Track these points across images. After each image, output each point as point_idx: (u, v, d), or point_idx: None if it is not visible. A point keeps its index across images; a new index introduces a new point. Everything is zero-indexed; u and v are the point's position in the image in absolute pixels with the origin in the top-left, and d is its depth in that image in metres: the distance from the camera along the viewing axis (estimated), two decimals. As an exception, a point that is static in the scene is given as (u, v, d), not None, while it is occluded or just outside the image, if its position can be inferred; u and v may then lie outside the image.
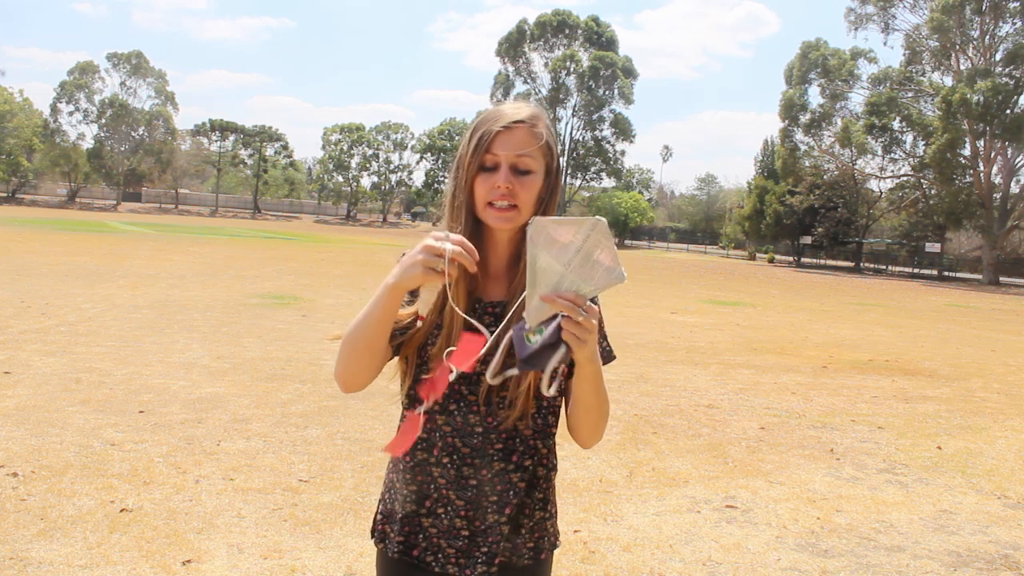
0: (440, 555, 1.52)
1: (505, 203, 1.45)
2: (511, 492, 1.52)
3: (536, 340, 1.30)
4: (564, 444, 1.61)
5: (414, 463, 1.53)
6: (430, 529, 1.52)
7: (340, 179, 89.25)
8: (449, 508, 1.51)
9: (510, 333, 1.33)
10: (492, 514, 1.51)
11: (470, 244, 1.31)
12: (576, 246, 1.25)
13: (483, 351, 1.33)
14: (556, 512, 1.64)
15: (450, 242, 1.29)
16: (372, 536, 1.62)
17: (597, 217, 1.26)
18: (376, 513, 1.63)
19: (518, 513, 1.54)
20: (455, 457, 1.51)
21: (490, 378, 1.36)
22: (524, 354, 1.29)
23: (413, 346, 1.51)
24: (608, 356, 1.59)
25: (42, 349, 7.78)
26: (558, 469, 1.64)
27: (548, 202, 1.52)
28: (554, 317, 1.29)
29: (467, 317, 1.38)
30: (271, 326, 10.29)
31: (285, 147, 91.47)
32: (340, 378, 1.51)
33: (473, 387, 1.49)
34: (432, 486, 1.52)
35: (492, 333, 1.41)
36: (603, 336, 1.58)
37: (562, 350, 1.30)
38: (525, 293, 1.29)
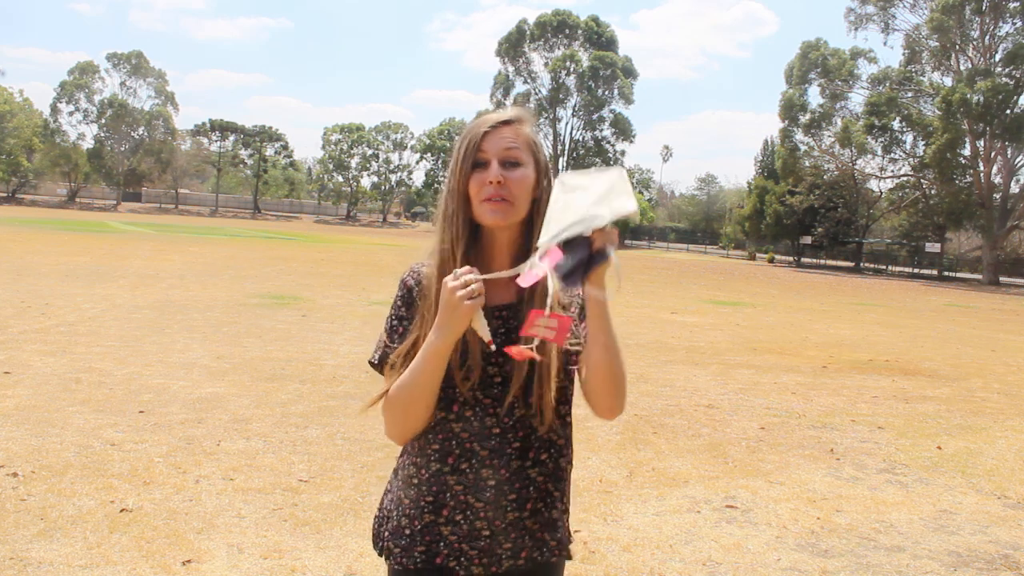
0: (463, 558, 1.53)
1: (497, 198, 1.49)
2: (531, 487, 1.54)
3: (568, 260, 1.34)
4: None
5: (429, 475, 1.55)
6: (450, 537, 1.53)
7: (340, 179, 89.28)
8: (468, 513, 1.53)
9: (535, 260, 1.36)
10: (512, 512, 1.53)
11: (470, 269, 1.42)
12: (595, 188, 1.36)
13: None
14: (568, 510, 1.65)
15: (460, 271, 1.40)
16: (375, 547, 1.63)
17: (619, 167, 1.37)
18: (381, 528, 1.63)
19: (538, 507, 1.56)
20: (474, 462, 1.52)
21: (559, 291, 1.40)
22: (563, 271, 1.33)
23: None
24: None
25: (42, 349, 7.78)
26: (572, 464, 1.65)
27: (542, 201, 1.53)
28: (574, 240, 1.34)
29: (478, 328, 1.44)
30: (271, 326, 10.29)
31: (285, 147, 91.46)
32: (398, 437, 1.57)
33: (488, 390, 1.52)
34: (448, 495, 1.53)
35: (498, 338, 1.48)
36: None
37: (610, 256, 1.35)
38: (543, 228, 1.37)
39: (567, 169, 75.06)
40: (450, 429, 1.53)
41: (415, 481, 1.56)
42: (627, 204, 1.34)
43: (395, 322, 1.59)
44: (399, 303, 1.60)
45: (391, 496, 1.62)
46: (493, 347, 1.44)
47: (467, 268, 1.41)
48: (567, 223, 1.34)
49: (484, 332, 1.42)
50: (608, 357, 1.47)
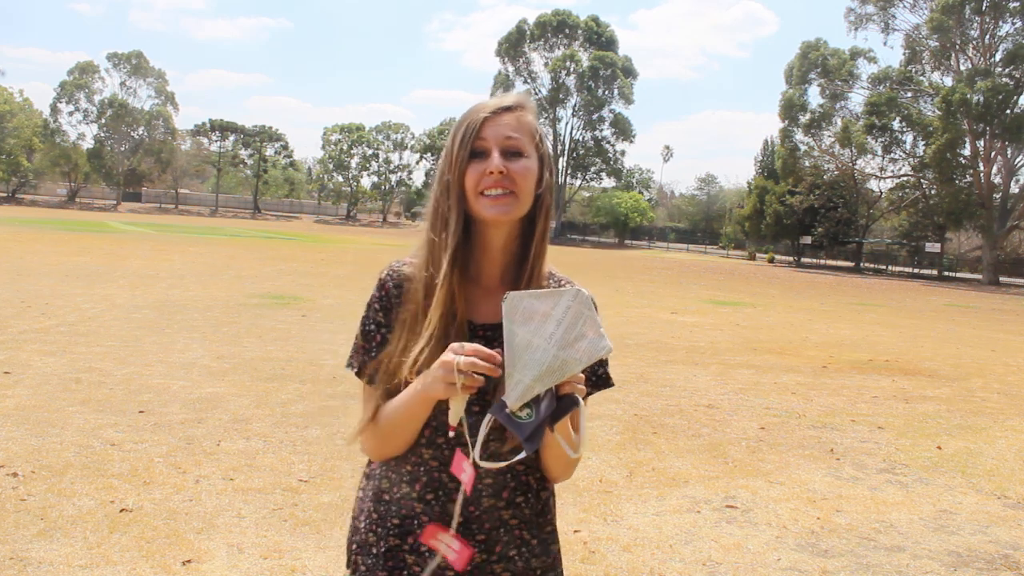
0: None
1: (500, 190, 1.38)
2: (501, 529, 1.44)
3: (530, 415, 1.25)
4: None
5: (399, 495, 1.45)
6: (414, 567, 1.43)
7: (340, 179, 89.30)
8: None
9: (491, 416, 1.28)
10: (480, 553, 1.42)
11: (486, 350, 1.27)
12: (557, 319, 1.23)
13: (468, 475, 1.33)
14: (559, 556, 1.52)
15: (464, 353, 1.26)
16: (347, 566, 1.53)
17: (577, 288, 1.25)
18: (349, 541, 1.53)
19: (509, 553, 1.44)
20: (440, 493, 1.42)
21: (483, 464, 1.31)
22: (525, 434, 1.25)
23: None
24: (606, 383, 1.53)
25: (42, 349, 7.78)
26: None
27: (544, 195, 1.45)
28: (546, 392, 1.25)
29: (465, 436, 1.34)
30: (271, 326, 10.29)
31: (285, 147, 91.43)
32: (376, 456, 1.49)
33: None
34: (415, 522, 1.43)
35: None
36: (603, 363, 1.51)
37: (580, 405, 1.27)
38: (504, 372, 1.25)
39: (568, 169, 75.85)
40: (420, 453, 1.43)
41: (386, 498, 1.46)
42: (601, 345, 1.22)
43: (372, 327, 1.47)
44: (376, 306, 1.47)
45: (363, 504, 1.51)
46: (452, 433, 1.34)
47: (474, 350, 1.26)
48: (535, 373, 1.22)
49: (454, 416, 1.30)
50: (556, 463, 1.44)
